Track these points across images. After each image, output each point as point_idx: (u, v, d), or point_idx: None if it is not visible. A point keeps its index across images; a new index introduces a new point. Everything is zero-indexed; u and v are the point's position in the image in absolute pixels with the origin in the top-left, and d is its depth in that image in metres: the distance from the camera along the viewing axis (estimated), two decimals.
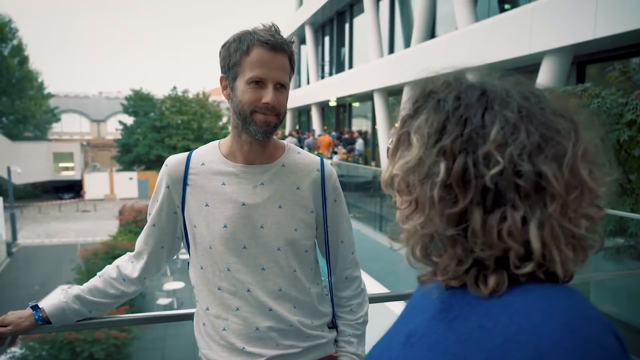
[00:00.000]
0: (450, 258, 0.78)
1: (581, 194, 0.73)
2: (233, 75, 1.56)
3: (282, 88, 1.55)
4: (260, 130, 1.55)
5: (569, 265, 0.74)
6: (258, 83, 1.52)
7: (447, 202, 0.76)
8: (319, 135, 20.58)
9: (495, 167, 0.72)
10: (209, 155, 1.67)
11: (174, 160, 1.68)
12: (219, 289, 1.63)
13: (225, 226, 1.60)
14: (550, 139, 0.73)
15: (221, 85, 1.62)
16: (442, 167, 0.75)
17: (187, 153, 1.70)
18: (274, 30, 1.54)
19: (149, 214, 1.73)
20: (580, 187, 0.73)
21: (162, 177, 1.68)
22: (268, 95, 1.51)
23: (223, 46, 1.58)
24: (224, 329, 1.62)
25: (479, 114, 0.75)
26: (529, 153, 0.72)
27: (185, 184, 1.65)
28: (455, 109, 0.77)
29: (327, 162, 1.75)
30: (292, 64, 1.59)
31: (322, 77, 26.17)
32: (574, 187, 0.73)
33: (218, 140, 1.73)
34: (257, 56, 1.50)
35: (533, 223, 0.71)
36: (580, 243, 0.75)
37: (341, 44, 24.23)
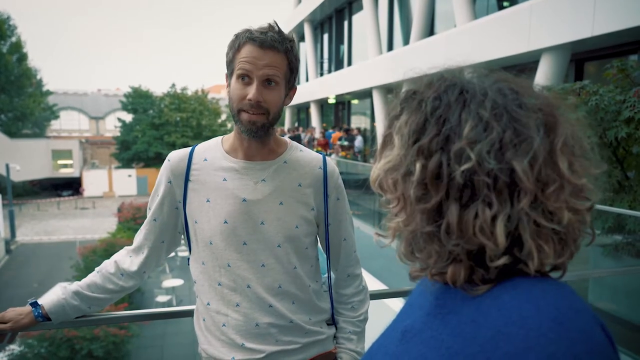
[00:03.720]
0: (430, 254, 0.81)
1: (561, 187, 0.74)
2: (229, 73, 1.59)
3: (271, 85, 1.55)
4: (245, 129, 1.56)
5: (546, 258, 0.74)
6: (244, 79, 1.53)
7: (424, 200, 0.78)
8: (321, 133, 20.60)
9: (466, 164, 0.73)
10: (212, 151, 1.69)
11: (176, 156, 1.69)
12: (219, 284, 1.64)
13: (225, 222, 1.60)
14: (522, 134, 0.74)
15: (226, 82, 1.65)
16: (418, 165, 0.77)
17: (189, 148, 1.72)
18: (269, 28, 1.54)
19: (149, 209, 1.73)
20: (560, 181, 0.74)
21: (164, 172, 1.69)
22: (251, 92, 1.52)
23: (228, 44, 1.61)
24: (224, 325, 1.63)
25: (456, 114, 0.77)
26: (498, 149, 0.73)
27: (187, 180, 1.66)
28: (434, 110, 0.79)
29: (329, 160, 1.75)
30: (290, 62, 1.58)
31: (321, 75, 26.17)
32: (552, 181, 0.73)
33: (221, 137, 1.74)
34: (246, 52, 1.52)
35: (501, 218, 0.73)
36: (560, 236, 0.76)
37: (340, 41, 24.22)
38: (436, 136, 0.77)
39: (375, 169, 0.86)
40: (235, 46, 1.54)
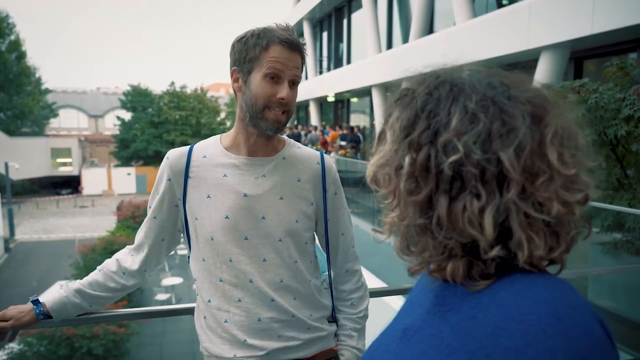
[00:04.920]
0: (424, 247, 0.81)
1: (550, 178, 0.74)
2: (248, 69, 1.59)
3: (294, 86, 1.61)
4: (271, 128, 1.60)
5: (536, 250, 0.74)
6: (274, 78, 1.56)
7: (416, 192, 0.79)
8: (320, 131, 20.59)
9: (454, 155, 0.74)
10: (211, 148, 1.70)
11: (175, 153, 1.70)
12: (220, 280, 1.64)
13: (226, 217, 1.62)
14: (509, 124, 0.74)
15: (232, 77, 1.65)
16: (408, 159, 0.78)
17: (188, 146, 1.73)
18: (291, 30, 1.60)
19: (150, 207, 1.74)
20: (549, 172, 0.74)
21: (163, 170, 1.70)
22: (284, 91, 1.56)
23: (239, 40, 1.61)
24: (225, 321, 1.64)
25: (446, 108, 0.77)
26: (485, 140, 0.73)
27: (186, 177, 1.67)
28: (425, 105, 0.80)
29: (326, 156, 1.79)
30: (303, 65, 1.65)
31: (320, 73, 26.19)
32: (542, 172, 0.73)
33: (219, 135, 1.75)
34: (277, 53, 1.55)
35: (489, 209, 0.73)
36: (552, 229, 0.76)
37: (339, 39, 24.22)
38: (426, 130, 0.78)
39: (370, 165, 0.87)
40: (262, 44, 1.56)
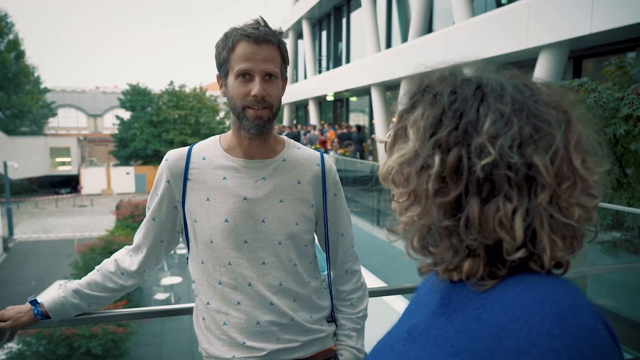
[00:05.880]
0: (446, 248, 0.80)
1: (574, 184, 0.74)
2: (224, 73, 1.59)
3: (271, 79, 1.57)
4: (252, 125, 1.57)
5: (558, 252, 0.75)
6: (245, 76, 1.54)
7: (443, 194, 0.78)
8: (319, 131, 20.57)
9: (486, 158, 0.73)
10: (210, 150, 1.68)
11: (174, 155, 1.69)
12: (219, 283, 1.63)
13: (226, 220, 1.60)
14: (542, 130, 0.74)
15: (218, 83, 1.65)
16: (437, 159, 0.77)
17: (187, 147, 1.71)
18: (258, 23, 1.56)
19: (148, 208, 1.73)
20: (573, 177, 0.74)
21: (162, 172, 1.68)
22: (255, 87, 1.53)
23: (215, 45, 1.61)
24: (224, 324, 1.63)
25: (474, 108, 0.77)
26: (520, 144, 0.73)
27: (186, 179, 1.66)
28: (451, 103, 0.79)
29: (326, 156, 1.77)
30: (283, 54, 1.60)
31: (320, 72, 26.15)
32: (567, 177, 0.74)
33: (218, 135, 1.73)
34: (242, 50, 1.53)
35: (519, 212, 0.73)
36: (572, 232, 0.76)
37: (338, 38, 24.20)
38: (454, 130, 0.77)
39: (389, 162, 0.85)
40: (229, 45, 1.54)
